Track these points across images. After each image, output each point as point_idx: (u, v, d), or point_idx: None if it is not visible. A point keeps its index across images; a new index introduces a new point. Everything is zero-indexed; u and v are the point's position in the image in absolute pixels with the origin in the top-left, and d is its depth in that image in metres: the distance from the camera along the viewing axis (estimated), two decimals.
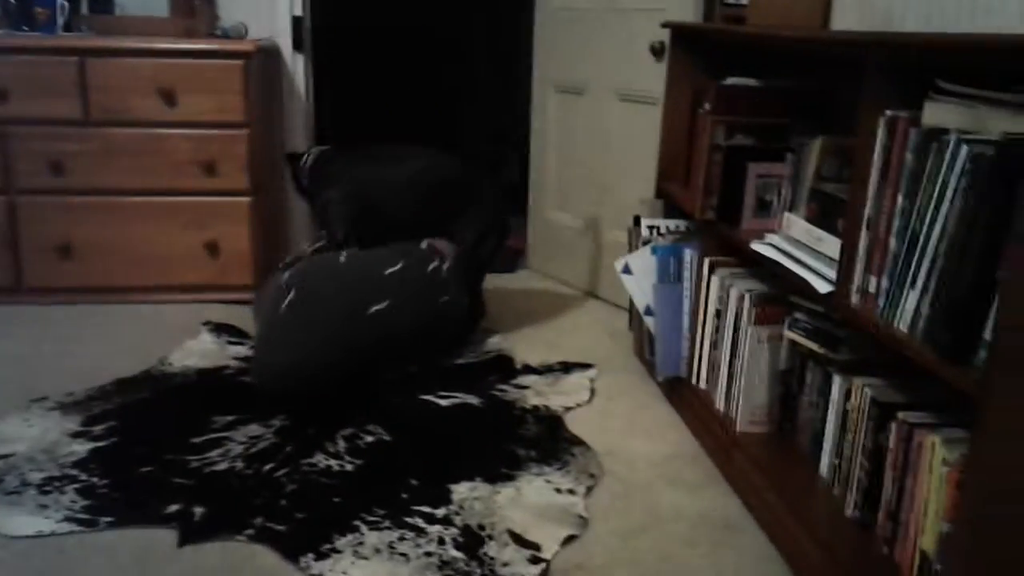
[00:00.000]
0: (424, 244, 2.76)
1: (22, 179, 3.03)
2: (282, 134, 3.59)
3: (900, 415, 1.62)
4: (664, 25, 2.72)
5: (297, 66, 3.54)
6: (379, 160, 2.92)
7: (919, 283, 1.46)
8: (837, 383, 1.87)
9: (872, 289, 1.61)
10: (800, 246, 1.92)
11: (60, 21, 3.13)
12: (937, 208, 1.42)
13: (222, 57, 3.04)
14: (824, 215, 1.87)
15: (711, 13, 2.76)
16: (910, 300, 1.49)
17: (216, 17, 3.42)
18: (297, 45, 3.51)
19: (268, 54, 3.40)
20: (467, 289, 2.77)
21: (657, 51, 2.99)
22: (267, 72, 3.39)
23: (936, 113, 1.49)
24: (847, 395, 1.82)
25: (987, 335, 1.31)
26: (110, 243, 3.12)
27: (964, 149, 1.35)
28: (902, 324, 1.51)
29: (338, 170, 2.91)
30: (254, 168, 3.14)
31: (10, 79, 2.95)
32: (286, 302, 2.45)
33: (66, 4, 3.14)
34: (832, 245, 1.78)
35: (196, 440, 2.19)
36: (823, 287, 1.74)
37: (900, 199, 1.53)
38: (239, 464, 2.08)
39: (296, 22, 3.49)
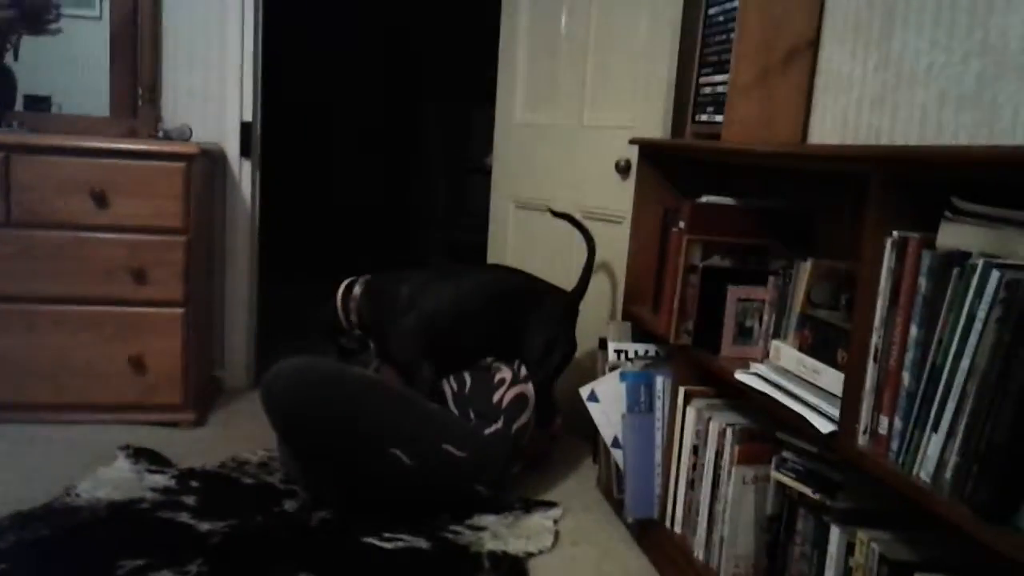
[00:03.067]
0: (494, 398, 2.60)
1: None
2: (223, 241, 3.37)
3: None
4: (632, 142, 2.61)
5: (243, 171, 3.36)
6: (439, 280, 2.79)
7: (943, 425, 1.27)
8: (836, 534, 1.65)
9: (883, 430, 1.42)
10: (792, 378, 1.74)
11: None
12: (963, 341, 1.25)
13: (162, 159, 2.85)
14: (819, 345, 1.70)
15: (680, 129, 2.66)
16: (932, 445, 1.29)
17: (159, 119, 3.25)
18: (245, 151, 3.34)
19: (212, 158, 3.22)
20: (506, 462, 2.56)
21: (623, 169, 2.88)
22: (209, 177, 3.20)
23: (953, 234, 1.33)
24: (849, 549, 1.60)
25: None
26: (22, 355, 2.82)
27: (995, 276, 1.19)
28: (923, 473, 1.31)
29: (398, 296, 2.76)
30: (190, 277, 2.91)
31: None
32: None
33: None
34: (833, 379, 1.59)
35: None
36: (824, 426, 1.55)
37: (914, 329, 1.36)
38: None
39: (245, 127, 3.32)
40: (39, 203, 2.79)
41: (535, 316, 2.76)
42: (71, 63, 3.21)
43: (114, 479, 2.44)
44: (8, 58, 3.02)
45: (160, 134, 3.12)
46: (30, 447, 2.67)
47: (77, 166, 2.81)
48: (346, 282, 2.86)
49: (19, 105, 3.10)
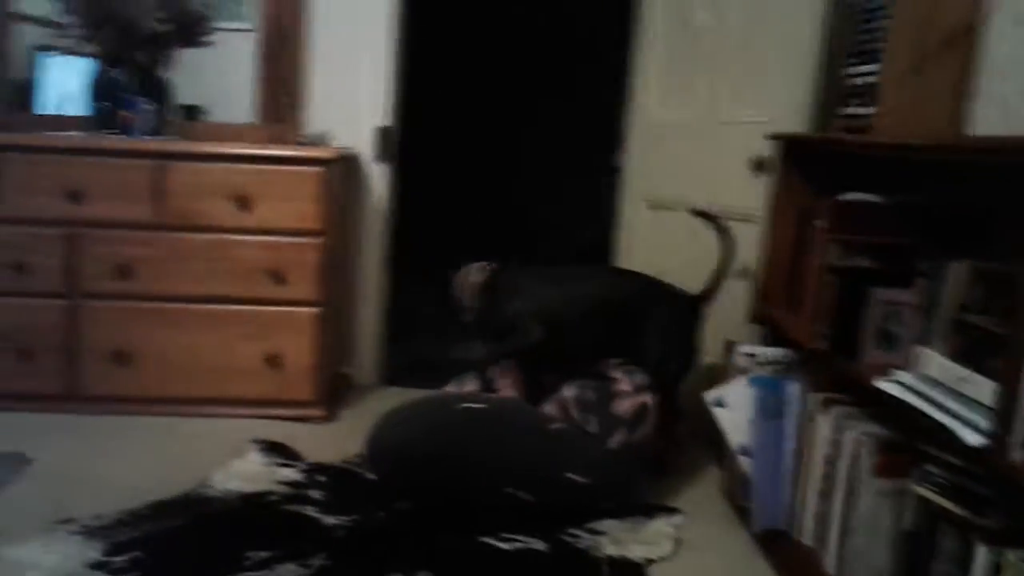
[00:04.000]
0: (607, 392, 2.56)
1: (87, 282, 2.93)
2: (356, 242, 3.46)
3: None
4: (773, 137, 2.49)
5: (377, 175, 3.43)
6: (561, 278, 2.81)
7: None
8: (982, 554, 1.51)
9: None
10: (938, 387, 1.60)
11: (146, 126, 3.09)
12: None
13: (300, 164, 2.94)
14: (971, 352, 1.56)
15: (823, 122, 2.52)
16: None
17: (302, 124, 3.36)
18: (380, 155, 3.41)
19: (348, 162, 3.30)
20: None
21: (757, 166, 2.76)
22: (346, 180, 3.29)
23: None
24: (996, 570, 1.46)
25: None
26: (169, 351, 2.97)
27: None
28: None
29: (521, 285, 2.78)
30: (325, 278, 2.99)
31: (87, 181, 2.90)
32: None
33: (151, 108, 3.11)
34: (983, 388, 1.46)
35: None
36: (973, 438, 1.42)
37: None
38: None
39: (381, 132, 3.40)
40: (188, 207, 2.93)
41: (653, 321, 2.68)
42: (221, 73, 3.38)
43: (246, 472, 2.53)
44: (164, 70, 3.19)
45: (304, 139, 3.23)
46: (170, 439, 2.81)
47: (223, 172, 2.93)
48: (469, 266, 2.87)
49: (173, 114, 3.28)
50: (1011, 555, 1.41)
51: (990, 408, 1.40)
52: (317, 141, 3.16)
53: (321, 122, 3.36)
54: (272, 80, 3.35)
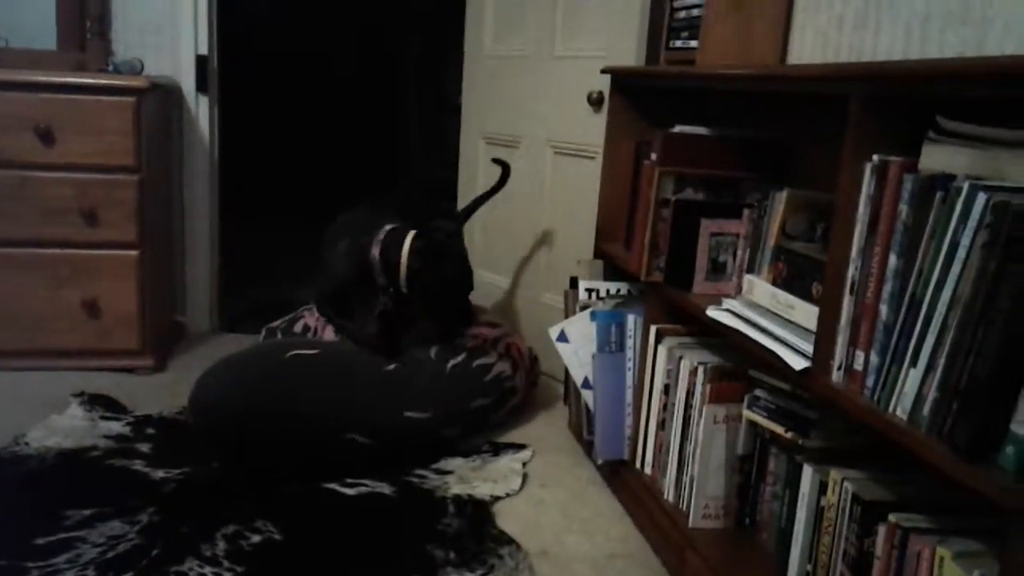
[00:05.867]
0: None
1: None
2: (180, 182, 3.23)
3: (891, 517, 1.34)
4: (604, 71, 2.48)
5: (200, 108, 3.21)
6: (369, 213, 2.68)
7: (922, 360, 1.20)
8: (808, 474, 1.60)
9: (859, 366, 1.35)
10: (765, 313, 1.66)
11: None
12: (945, 269, 1.16)
13: (110, 93, 2.70)
14: (794, 278, 1.61)
15: (655, 57, 2.54)
16: (910, 381, 1.22)
17: (110, 52, 3.08)
18: (201, 86, 3.19)
19: (167, 93, 3.06)
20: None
21: (595, 101, 2.76)
22: (164, 113, 3.05)
23: (937, 156, 1.24)
24: (822, 489, 1.55)
25: (1016, 427, 1.05)
26: None
27: (981, 198, 1.11)
28: (899, 410, 1.24)
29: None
30: (143, 218, 2.78)
31: None
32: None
33: None
34: (807, 313, 1.52)
35: (41, 541, 1.78)
36: (798, 362, 1.47)
37: (893, 259, 1.28)
38: (90, 573, 1.69)
39: (200, 61, 3.17)
40: None
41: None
42: None
43: (66, 427, 2.34)
44: None
45: (110, 68, 2.97)
46: None
47: (21, 102, 2.65)
48: (387, 231, 2.52)
49: None
50: (835, 473, 1.48)
51: (813, 333, 1.46)
52: (126, 69, 2.90)
53: (132, 50, 3.10)
54: (72, 3, 3.04)
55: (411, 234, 2.47)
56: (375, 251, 2.47)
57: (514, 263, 3.22)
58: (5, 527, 1.84)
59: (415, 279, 2.44)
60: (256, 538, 1.86)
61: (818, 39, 1.98)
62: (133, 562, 1.74)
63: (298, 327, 2.81)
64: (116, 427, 2.37)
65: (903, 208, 1.26)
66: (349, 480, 2.15)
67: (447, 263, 2.51)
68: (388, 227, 2.51)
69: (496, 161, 2.91)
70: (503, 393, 2.55)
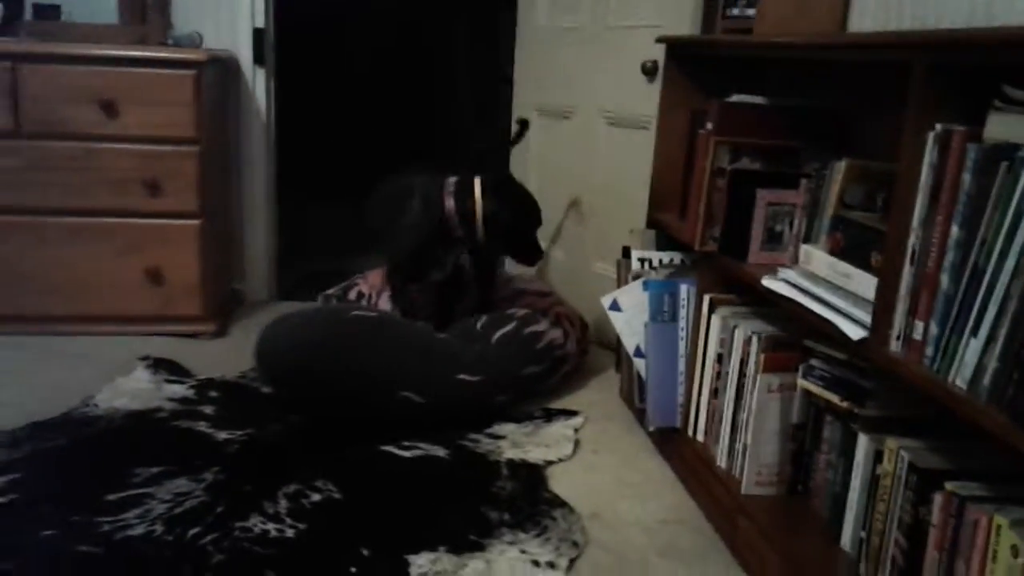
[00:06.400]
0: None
1: None
2: (238, 153, 3.30)
3: (948, 485, 1.34)
4: (659, 40, 2.47)
5: (257, 81, 3.26)
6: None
7: (983, 330, 1.20)
8: (863, 443, 1.60)
9: (918, 336, 1.35)
10: (822, 283, 1.66)
11: None
12: (1008, 240, 1.16)
13: (171, 67, 2.76)
14: (852, 248, 1.61)
15: (711, 26, 2.52)
16: (970, 351, 1.22)
17: (169, 26, 3.14)
18: (258, 58, 3.24)
19: (225, 66, 3.12)
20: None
21: (649, 71, 2.75)
22: (223, 86, 3.11)
23: (1003, 126, 1.23)
24: (877, 457, 1.55)
25: None
26: (38, 268, 2.80)
27: None
28: (959, 380, 1.24)
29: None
30: (204, 188, 2.85)
31: None
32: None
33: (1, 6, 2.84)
34: (865, 283, 1.51)
35: (111, 497, 1.87)
36: (855, 332, 1.47)
37: (955, 229, 1.27)
38: (158, 528, 1.76)
39: (257, 34, 3.21)
40: (48, 113, 2.72)
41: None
42: None
43: (132, 389, 2.43)
44: None
45: (169, 41, 3.03)
46: (49, 359, 2.67)
47: (85, 75, 2.73)
48: (450, 180, 2.57)
49: (28, 14, 3.01)
50: (891, 442, 1.49)
51: (871, 303, 1.46)
52: (185, 43, 2.96)
53: (191, 23, 3.15)
54: None
55: (477, 179, 2.54)
56: (449, 202, 2.52)
57: (567, 233, 3.24)
58: (77, 484, 1.93)
59: (491, 220, 2.52)
60: (316, 497, 1.92)
61: (880, 7, 1.95)
62: (199, 518, 1.81)
63: (352, 294, 2.87)
64: (180, 390, 2.45)
65: (966, 177, 1.26)
66: (405, 443, 2.20)
67: (516, 198, 2.57)
68: (452, 179, 2.57)
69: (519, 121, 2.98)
70: (554, 361, 2.58)
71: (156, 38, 3.07)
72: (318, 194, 5.20)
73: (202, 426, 2.24)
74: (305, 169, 4.52)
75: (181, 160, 2.81)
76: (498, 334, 2.48)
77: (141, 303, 2.88)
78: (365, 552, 1.73)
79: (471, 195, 2.51)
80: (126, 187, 2.79)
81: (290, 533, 1.78)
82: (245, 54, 3.23)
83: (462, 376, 2.34)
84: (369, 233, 2.76)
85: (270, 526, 1.80)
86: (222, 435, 2.19)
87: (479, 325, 2.52)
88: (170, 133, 2.78)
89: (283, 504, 1.88)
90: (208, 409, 2.34)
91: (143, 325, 2.90)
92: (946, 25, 1.72)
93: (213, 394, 2.44)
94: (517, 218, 2.56)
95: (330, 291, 2.89)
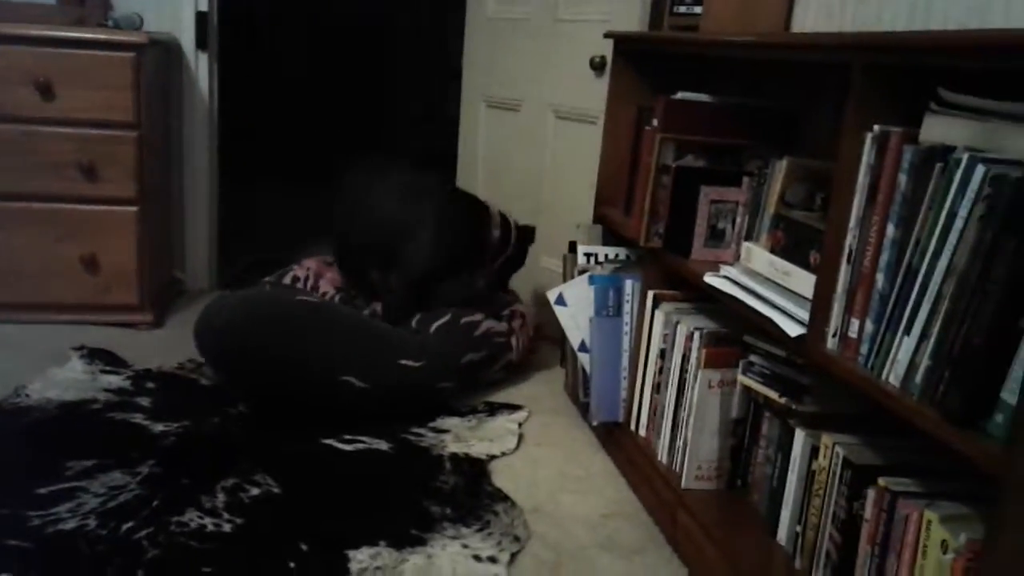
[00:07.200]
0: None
1: None
2: (180, 139, 3.23)
3: (881, 481, 1.37)
4: (607, 35, 2.48)
5: (200, 65, 3.19)
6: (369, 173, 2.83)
7: (916, 328, 1.22)
8: (800, 438, 1.63)
9: (854, 333, 1.37)
10: (762, 280, 1.68)
11: None
12: (942, 240, 1.19)
13: (109, 48, 2.69)
14: (792, 246, 1.63)
15: (659, 22, 2.54)
16: (903, 348, 1.25)
17: (109, 7, 3.06)
18: (201, 43, 3.17)
19: (166, 50, 3.05)
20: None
21: (597, 66, 2.76)
22: (164, 70, 3.04)
23: (938, 128, 1.26)
24: (813, 453, 1.58)
25: (1006, 395, 1.07)
26: None
27: (980, 170, 1.12)
28: (892, 377, 1.27)
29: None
30: (142, 174, 2.78)
31: None
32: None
33: None
34: (803, 281, 1.54)
35: (43, 491, 1.81)
36: (793, 329, 1.50)
37: (890, 228, 1.30)
38: (91, 522, 1.72)
39: (200, 17, 3.14)
40: None
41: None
42: None
43: (66, 379, 2.37)
44: None
45: (109, 23, 2.94)
46: None
47: (21, 55, 2.65)
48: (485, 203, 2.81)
49: None
50: (826, 438, 1.52)
51: (809, 300, 1.48)
52: (125, 24, 2.88)
53: (131, 5, 3.07)
54: None
55: (512, 220, 2.83)
56: (495, 233, 2.75)
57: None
58: (7, 477, 1.87)
59: (510, 262, 2.84)
60: (255, 491, 1.89)
61: (822, 9, 1.98)
62: (134, 512, 1.77)
63: (287, 279, 2.83)
64: (116, 381, 2.39)
65: (902, 178, 1.28)
66: (347, 436, 2.18)
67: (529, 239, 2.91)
68: (497, 211, 2.78)
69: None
70: (494, 348, 2.58)
71: (95, 19, 2.98)
72: (261, 182, 5.13)
73: (138, 418, 2.18)
74: (248, 157, 4.45)
75: (119, 145, 2.74)
76: (435, 325, 2.50)
77: (76, 291, 2.80)
78: (304, 547, 1.71)
79: (508, 231, 2.77)
80: (62, 172, 2.71)
81: (227, 528, 1.75)
82: (188, 38, 3.16)
83: (404, 361, 2.33)
84: (342, 217, 2.84)
85: (207, 520, 1.76)
86: (159, 427, 2.14)
87: (414, 322, 2.55)
88: (108, 117, 2.71)
89: (221, 498, 1.85)
90: (144, 401, 2.29)
91: (78, 314, 2.82)
92: (885, 29, 1.76)
93: (150, 385, 2.38)
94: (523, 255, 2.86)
95: (268, 279, 2.86)
